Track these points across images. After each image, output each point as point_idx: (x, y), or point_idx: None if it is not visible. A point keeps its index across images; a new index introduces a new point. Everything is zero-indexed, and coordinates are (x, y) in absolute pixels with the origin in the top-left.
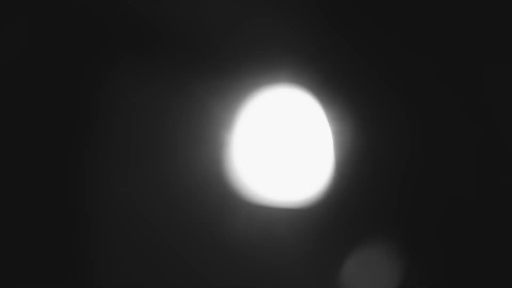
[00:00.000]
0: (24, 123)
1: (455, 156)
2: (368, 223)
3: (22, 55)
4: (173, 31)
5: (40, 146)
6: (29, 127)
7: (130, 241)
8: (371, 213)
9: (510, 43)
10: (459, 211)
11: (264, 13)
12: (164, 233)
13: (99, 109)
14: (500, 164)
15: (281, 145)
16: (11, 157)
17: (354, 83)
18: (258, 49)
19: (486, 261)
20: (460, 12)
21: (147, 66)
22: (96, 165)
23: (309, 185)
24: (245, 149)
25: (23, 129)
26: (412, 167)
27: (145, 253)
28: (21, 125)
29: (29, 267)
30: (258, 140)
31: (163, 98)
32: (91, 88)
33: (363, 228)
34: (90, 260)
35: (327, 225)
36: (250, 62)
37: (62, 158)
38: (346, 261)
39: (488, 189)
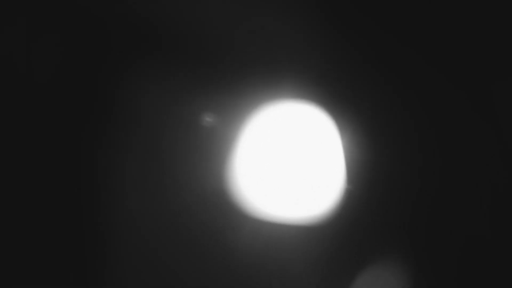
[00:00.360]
0: (34, 129)
1: (471, 174)
2: (378, 242)
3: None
4: (179, 36)
5: (48, 149)
6: (39, 132)
7: (135, 256)
8: (382, 232)
9: None
10: (475, 230)
11: (273, 23)
12: (166, 249)
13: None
14: None
15: (290, 161)
16: (19, 161)
17: (366, 97)
18: (267, 61)
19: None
20: (478, 27)
21: (152, 72)
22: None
23: (318, 202)
24: (253, 164)
25: (32, 134)
26: (426, 184)
27: (148, 268)
28: (31, 131)
29: (33, 276)
30: (267, 156)
31: (166, 109)
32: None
33: (373, 247)
34: (95, 273)
35: (336, 243)
36: (257, 74)
37: (72, 161)
38: (355, 281)
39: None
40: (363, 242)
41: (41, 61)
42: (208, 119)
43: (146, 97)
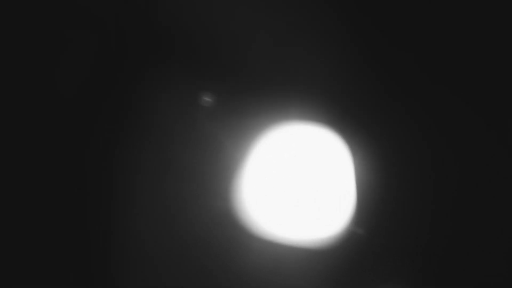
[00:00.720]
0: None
1: (486, 202)
2: (387, 267)
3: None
4: (194, 48)
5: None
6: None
7: (142, 276)
8: (392, 257)
9: None
10: (481, 260)
11: (286, 44)
12: (172, 270)
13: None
14: None
15: (300, 182)
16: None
17: (378, 120)
18: (279, 82)
19: None
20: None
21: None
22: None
23: (327, 224)
24: (262, 185)
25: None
26: (439, 209)
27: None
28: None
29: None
30: (276, 177)
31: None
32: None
33: (381, 272)
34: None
35: (344, 267)
36: (269, 94)
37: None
38: None
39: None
40: (371, 267)
41: (64, 70)
42: (207, 99)
43: (157, 112)
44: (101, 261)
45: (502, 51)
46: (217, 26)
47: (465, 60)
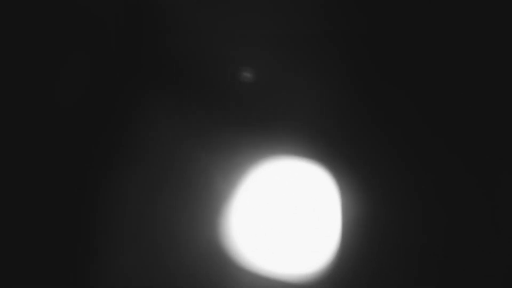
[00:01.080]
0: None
1: (465, 234)
2: None
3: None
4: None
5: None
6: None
7: None
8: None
9: None
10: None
11: (276, 79)
12: None
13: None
14: None
15: (287, 216)
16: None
17: (366, 157)
18: (269, 117)
19: None
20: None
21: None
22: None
23: (314, 258)
24: (250, 219)
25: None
26: (424, 243)
27: None
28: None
29: None
30: (264, 211)
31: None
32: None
33: None
34: None
35: None
36: (259, 129)
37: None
38: None
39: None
40: None
41: (65, 86)
42: (247, 74)
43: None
44: None
45: (490, 100)
46: (209, 59)
47: (454, 102)
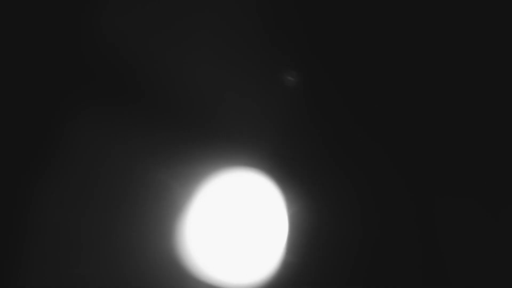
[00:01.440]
0: None
1: (406, 240)
2: None
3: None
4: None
5: None
6: None
7: None
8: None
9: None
10: None
11: (235, 95)
12: None
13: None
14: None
15: (235, 227)
16: None
17: (314, 173)
18: (227, 131)
19: None
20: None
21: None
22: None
23: (261, 268)
24: (202, 230)
25: None
26: (366, 249)
27: None
28: None
29: None
30: (216, 221)
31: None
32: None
33: None
34: None
35: None
36: (215, 142)
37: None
38: None
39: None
40: None
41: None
42: (290, 77)
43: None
44: None
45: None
46: (165, 77)
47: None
